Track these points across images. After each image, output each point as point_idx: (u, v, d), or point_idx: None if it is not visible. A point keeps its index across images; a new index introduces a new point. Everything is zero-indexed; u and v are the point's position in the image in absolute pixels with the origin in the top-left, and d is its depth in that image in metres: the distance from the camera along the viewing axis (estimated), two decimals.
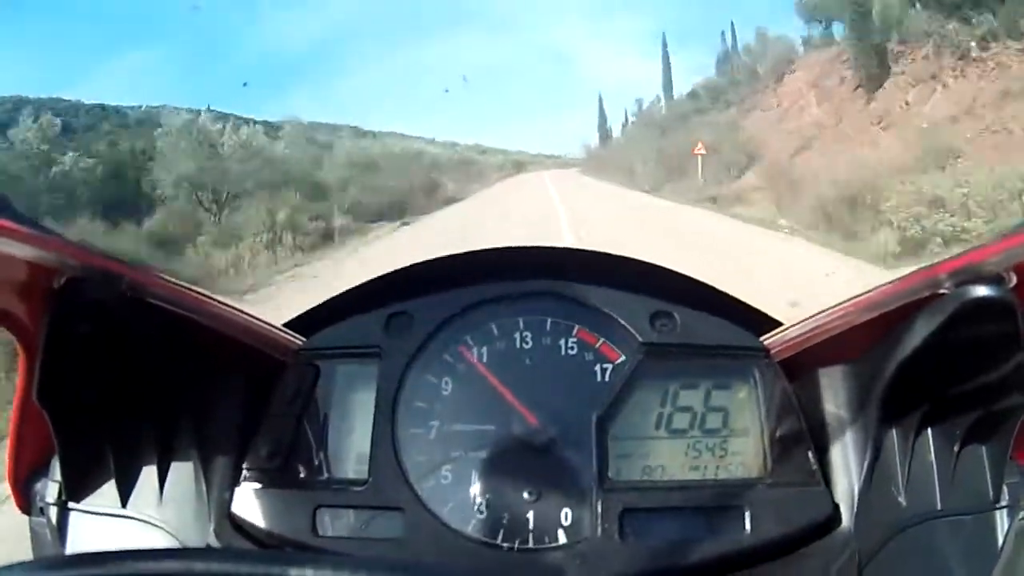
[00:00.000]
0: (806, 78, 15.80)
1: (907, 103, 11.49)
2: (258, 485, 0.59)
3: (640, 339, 0.63)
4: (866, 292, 0.51)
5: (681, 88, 27.52)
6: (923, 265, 0.46)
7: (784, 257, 6.84)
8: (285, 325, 0.65)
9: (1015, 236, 0.40)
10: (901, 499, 0.52)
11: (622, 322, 0.63)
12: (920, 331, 0.47)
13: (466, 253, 0.69)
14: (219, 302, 0.55)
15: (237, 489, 0.59)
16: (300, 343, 0.65)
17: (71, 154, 14.38)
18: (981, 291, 0.43)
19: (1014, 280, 0.43)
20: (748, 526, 0.56)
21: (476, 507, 0.57)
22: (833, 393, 0.58)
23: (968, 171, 7.28)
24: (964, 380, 0.48)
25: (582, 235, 8.93)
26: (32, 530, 0.58)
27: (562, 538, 0.56)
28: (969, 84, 10.31)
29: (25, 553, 0.56)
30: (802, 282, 5.17)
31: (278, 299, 6.70)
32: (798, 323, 0.58)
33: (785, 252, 7.17)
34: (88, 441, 0.53)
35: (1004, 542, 0.46)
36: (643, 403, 0.61)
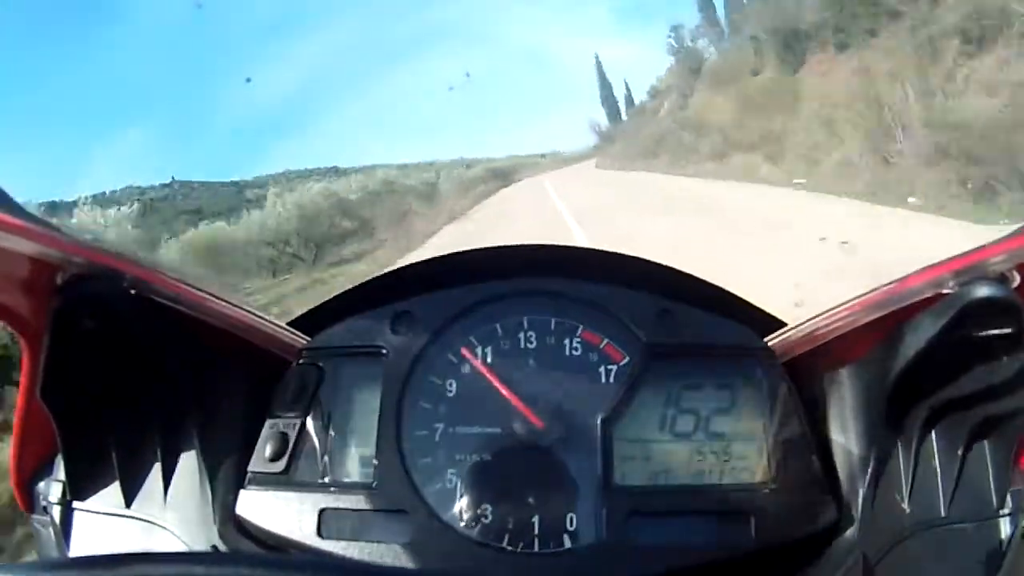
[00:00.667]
0: None
1: None
2: (262, 487, 0.59)
3: (644, 339, 0.62)
4: (869, 292, 0.50)
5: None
6: (926, 265, 0.46)
7: None
8: (289, 324, 0.65)
9: (1019, 236, 0.40)
10: (905, 506, 0.52)
11: (626, 322, 0.63)
12: (924, 331, 0.47)
13: (470, 251, 0.69)
14: (223, 300, 0.54)
15: (241, 490, 0.59)
16: (304, 342, 0.65)
17: None
18: (985, 291, 0.43)
19: (1018, 280, 0.43)
20: (754, 532, 0.55)
21: (481, 510, 0.57)
22: (837, 395, 0.58)
23: None
24: (968, 381, 0.47)
25: None
26: (36, 529, 0.58)
27: (567, 542, 0.56)
28: None
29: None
30: None
31: None
32: (802, 323, 0.58)
33: None
34: (91, 439, 0.54)
35: (1008, 549, 0.45)
36: (647, 405, 0.61)
